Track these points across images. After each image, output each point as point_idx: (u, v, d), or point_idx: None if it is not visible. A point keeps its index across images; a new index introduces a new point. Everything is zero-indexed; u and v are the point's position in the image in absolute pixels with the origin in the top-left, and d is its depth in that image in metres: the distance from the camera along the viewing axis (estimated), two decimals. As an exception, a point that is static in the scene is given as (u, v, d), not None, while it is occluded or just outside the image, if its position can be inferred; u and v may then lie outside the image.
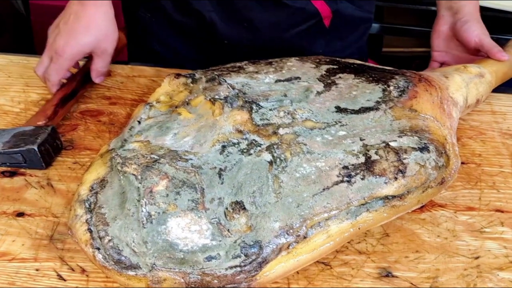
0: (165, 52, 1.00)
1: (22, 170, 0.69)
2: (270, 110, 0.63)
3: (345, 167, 0.57)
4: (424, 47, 2.24)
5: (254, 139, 0.60)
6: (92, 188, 0.59)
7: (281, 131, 0.61)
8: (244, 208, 0.54)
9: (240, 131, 0.61)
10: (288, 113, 0.63)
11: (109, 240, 0.53)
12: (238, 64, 0.74)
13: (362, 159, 0.58)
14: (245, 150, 0.59)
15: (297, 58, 0.75)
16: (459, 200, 0.68)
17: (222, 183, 0.56)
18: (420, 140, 0.61)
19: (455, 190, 0.69)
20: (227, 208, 0.54)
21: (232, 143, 0.60)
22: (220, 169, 0.57)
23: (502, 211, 0.66)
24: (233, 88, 0.66)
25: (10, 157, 0.69)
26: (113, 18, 0.81)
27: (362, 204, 0.57)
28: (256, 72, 0.71)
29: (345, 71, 0.72)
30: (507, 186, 0.70)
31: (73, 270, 0.57)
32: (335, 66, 0.73)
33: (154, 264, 0.52)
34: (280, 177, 0.57)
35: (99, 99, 0.84)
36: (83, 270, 0.57)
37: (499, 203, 0.68)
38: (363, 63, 0.77)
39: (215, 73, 0.70)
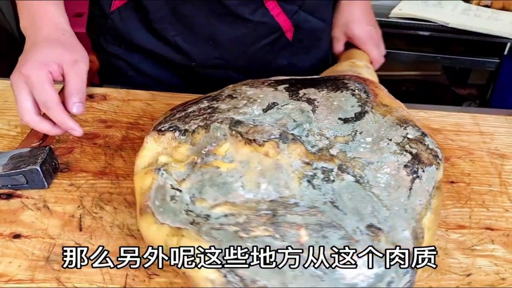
0: (137, 76, 1.01)
1: (19, 192, 0.70)
2: (306, 136, 0.62)
3: (406, 166, 0.59)
4: (414, 71, 2.28)
5: (323, 166, 0.59)
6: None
7: (332, 151, 0.60)
8: (379, 228, 0.54)
9: (307, 163, 0.59)
10: (320, 135, 0.62)
11: None
12: (201, 105, 0.67)
13: (408, 155, 0.60)
14: (326, 179, 0.58)
15: (244, 84, 0.71)
16: (450, 218, 0.69)
17: (345, 213, 0.55)
18: (414, 127, 0.63)
19: (446, 208, 0.70)
20: (367, 234, 0.54)
21: (310, 176, 0.58)
22: (331, 201, 0.56)
23: (492, 229, 0.68)
24: (272, 125, 0.61)
25: (12, 179, 0.69)
26: (77, 40, 0.78)
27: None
28: (235, 108, 0.65)
29: (302, 87, 0.69)
30: (496, 205, 0.71)
31: (69, 291, 0.58)
32: (287, 84, 0.70)
33: None
34: (374, 192, 0.57)
35: (95, 122, 0.85)
36: (79, 291, 0.58)
37: (489, 221, 0.69)
38: (297, 77, 0.74)
39: (236, 118, 0.63)
